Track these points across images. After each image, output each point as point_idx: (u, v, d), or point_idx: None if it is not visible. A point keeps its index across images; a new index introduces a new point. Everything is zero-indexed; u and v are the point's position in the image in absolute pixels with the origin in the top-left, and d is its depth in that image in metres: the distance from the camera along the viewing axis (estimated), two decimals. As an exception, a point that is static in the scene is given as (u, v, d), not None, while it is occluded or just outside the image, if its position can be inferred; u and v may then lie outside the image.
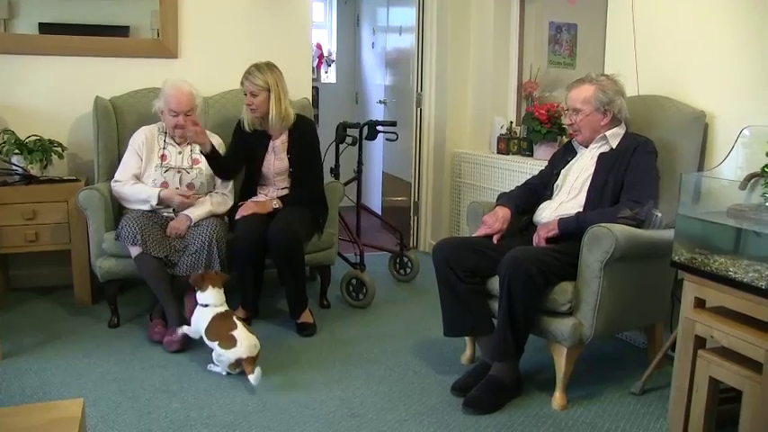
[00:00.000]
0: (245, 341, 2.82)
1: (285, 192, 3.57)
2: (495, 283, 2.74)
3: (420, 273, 4.37)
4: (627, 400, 2.75)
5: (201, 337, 2.95)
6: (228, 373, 2.87)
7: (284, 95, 3.50)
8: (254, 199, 3.55)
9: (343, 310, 3.76)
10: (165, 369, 2.95)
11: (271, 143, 3.57)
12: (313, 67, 5.84)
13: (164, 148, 3.47)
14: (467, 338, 3.06)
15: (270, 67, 3.48)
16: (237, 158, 3.56)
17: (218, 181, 3.55)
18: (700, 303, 2.33)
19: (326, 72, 7.03)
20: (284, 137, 3.57)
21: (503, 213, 2.92)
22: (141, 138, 3.47)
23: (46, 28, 3.93)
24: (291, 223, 3.32)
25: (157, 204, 3.34)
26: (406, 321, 3.62)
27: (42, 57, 3.88)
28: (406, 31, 5.42)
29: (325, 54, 6.94)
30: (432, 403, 2.70)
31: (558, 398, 2.68)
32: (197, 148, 3.44)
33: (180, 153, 3.49)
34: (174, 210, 3.38)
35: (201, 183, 3.48)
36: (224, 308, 2.99)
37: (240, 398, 2.71)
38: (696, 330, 2.29)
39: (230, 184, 3.58)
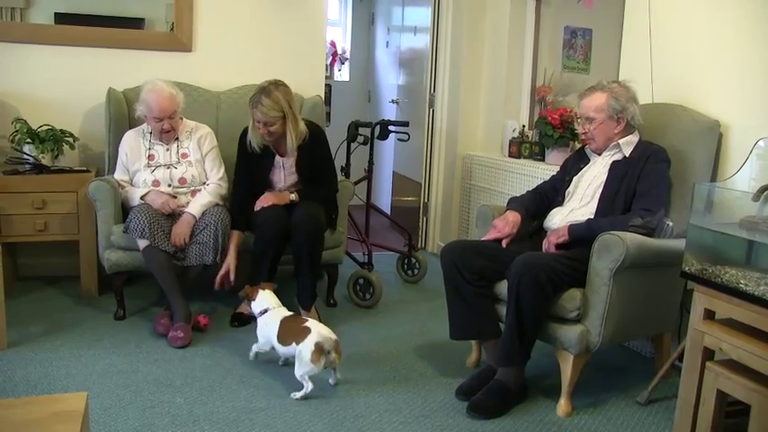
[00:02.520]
0: (321, 328, 2.74)
1: None
2: (502, 288, 2.72)
3: (428, 274, 4.36)
4: (632, 410, 2.73)
5: (273, 348, 2.88)
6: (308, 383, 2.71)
7: (298, 114, 3.38)
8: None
9: (349, 310, 3.75)
10: (170, 363, 2.95)
11: (280, 158, 3.48)
12: (326, 65, 5.83)
13: (150, 149, 3.45)
14: (473, 342, 3.05)
15: (277, 86, 3.27)
16: (253, 178, 3.51)
17: (208, 170, 3.50)
18: (709, 315, 2.31)
19: (340, 70, 7.02)
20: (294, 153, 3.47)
21: (513, 218, 2.91)
22: (125, 148, 3.46)
23: (61, 18, 3.94)
24: (314, 213, 3.34)
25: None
26: (413, 323, 3.61)
27: (57, 47, 3.88)
28: (421, 31, 5.41)
29: (339, 52, 6.94)
30: (436, 406, 2.69)
31: (562, 405, 2.66)
32: (184, 142, 3.46)
33: (167, 150, 3.46)
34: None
35: (193, 176, 3.44)
36: (285, 309, 2.95)
37: (244, 395, 2.70)
38: (705, 342, 2.27)
39: (222, 170, 3.52)
